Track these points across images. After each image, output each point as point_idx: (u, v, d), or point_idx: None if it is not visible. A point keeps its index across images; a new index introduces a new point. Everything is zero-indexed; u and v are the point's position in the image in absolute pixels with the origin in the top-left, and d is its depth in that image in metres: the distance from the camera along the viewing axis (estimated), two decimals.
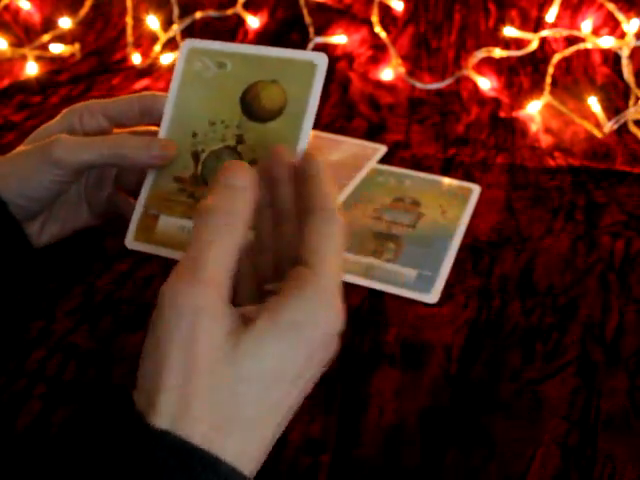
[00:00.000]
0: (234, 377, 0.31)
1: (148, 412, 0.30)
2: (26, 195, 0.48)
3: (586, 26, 0.99)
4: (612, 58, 0.98)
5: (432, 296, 0.59)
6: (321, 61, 0.42)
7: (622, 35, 0.97)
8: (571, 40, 1.00)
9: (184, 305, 0.31)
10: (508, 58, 1.02)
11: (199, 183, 0.43)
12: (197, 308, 0.31)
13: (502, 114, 0.94)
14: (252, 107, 0.43)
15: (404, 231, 0.66)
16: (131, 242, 0.44)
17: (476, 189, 0.74)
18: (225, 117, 0.43)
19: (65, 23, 1.11)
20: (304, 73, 0.42)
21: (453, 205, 0.71)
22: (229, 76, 0.44)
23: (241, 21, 1.11)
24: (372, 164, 0.79)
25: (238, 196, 0.35)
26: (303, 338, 0.33)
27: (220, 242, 0.33)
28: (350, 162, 0.79)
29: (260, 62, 0.43)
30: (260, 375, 0.32)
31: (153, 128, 0.51)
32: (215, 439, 0.30)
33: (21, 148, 0.50)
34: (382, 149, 0.82)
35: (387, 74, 1.03)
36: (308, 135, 0.41)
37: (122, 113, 0.51)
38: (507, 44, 1.03)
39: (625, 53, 0.94)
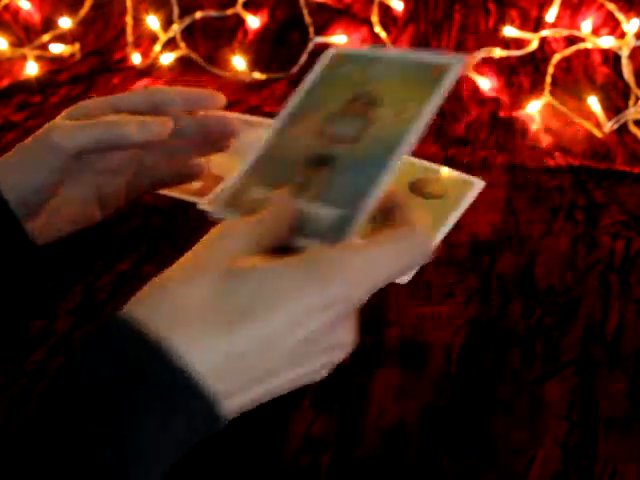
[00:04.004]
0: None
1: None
2: (25, 187, 0.48)
3: (586, 26, 0.99)
4: (612, 58, 0.98)
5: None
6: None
7: (622, 35, 0.97)
8: (571, 40, 0.99)
9: None
10: (508, 58, 1.02)
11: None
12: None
13: (502, 114, 0.94)
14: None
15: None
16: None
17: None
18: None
19: (65, 23, 1.11)
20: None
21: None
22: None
23: (241, 21, 1.11)
24: None
25: None
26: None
27: None
28: None
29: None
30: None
31: (165, 118, 0.51)
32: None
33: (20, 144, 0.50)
34: None
35: None
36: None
37: (131, 107, 0.51)
38: (507, 44, 1.03)
39: (625, 53, 0.94)
